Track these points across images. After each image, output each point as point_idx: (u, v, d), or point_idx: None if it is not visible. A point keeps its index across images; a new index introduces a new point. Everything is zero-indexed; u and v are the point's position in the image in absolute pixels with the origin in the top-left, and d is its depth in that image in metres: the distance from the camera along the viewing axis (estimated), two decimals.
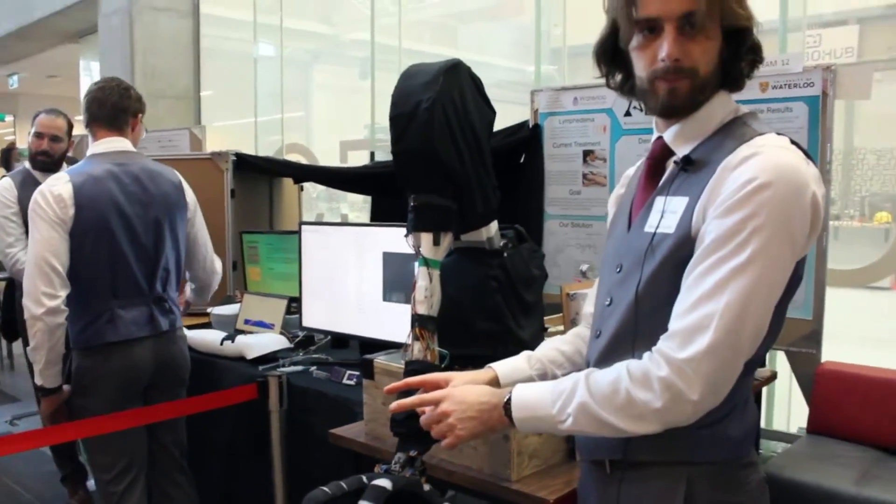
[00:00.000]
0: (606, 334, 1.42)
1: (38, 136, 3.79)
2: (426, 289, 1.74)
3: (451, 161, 1.74)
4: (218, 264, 3.12)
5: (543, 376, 1.61)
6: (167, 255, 2.79)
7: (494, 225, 1.94)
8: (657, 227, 1.34)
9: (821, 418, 2.75)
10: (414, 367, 1.70)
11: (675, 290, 1.27)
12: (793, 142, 1.30)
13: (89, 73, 9.93)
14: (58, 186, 2.60)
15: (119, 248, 2.66)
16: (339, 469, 1.92)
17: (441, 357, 1.75)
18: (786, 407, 3.44)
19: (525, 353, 1.67)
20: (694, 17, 1.27)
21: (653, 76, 1.33)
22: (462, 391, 1.45)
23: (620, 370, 1.27)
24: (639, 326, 1.35)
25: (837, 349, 2.90)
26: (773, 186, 1.20)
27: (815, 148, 2.69)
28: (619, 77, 1.46)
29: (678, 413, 1.22)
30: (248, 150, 5.73)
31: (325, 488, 1.55)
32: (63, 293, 2.55)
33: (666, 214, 1.33)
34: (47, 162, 3.71)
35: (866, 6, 10.93)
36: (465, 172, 1.78)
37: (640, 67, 1.36)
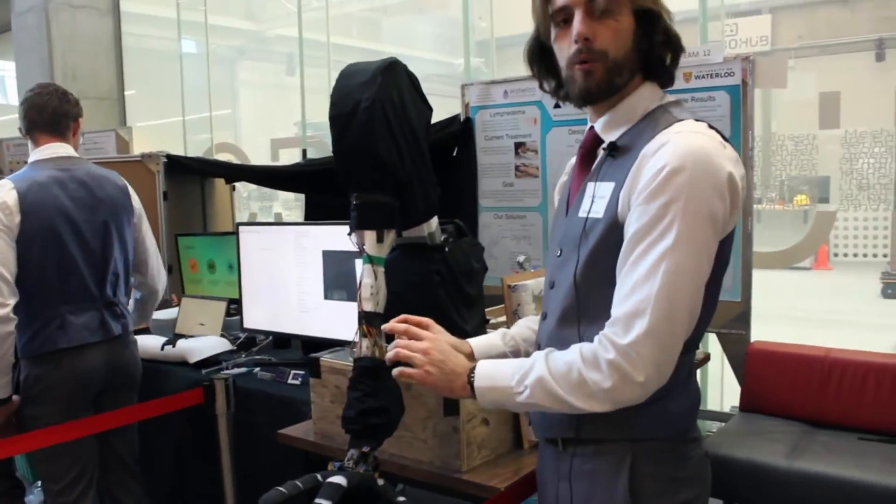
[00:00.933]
0: (552, 316, 1.50)
1: None
2: (372, 286, 1.76)
3: (392, 159, 1.76)
4: (164, 272, 3.09)
5: (516, 353, 1.70)
6: (116, 260, 2.76)
7: (435, 220, 1.97)
8: (589, 212, 1.42)
9: (752, 396, 2.86)
10: (363, 364, 1.73)
11: (610, 271, 1.35)
12: (711, 126, 1.38)
13: (1, 73, 9.62)
14: (1, 194, 2.55)
15: (68, 253, 2.63)
16: (287, 469, 1.92)
17: None
18: (719, 387, 3.56)
19: (501, 331, 1.76)
20: (598, 1, 1.36)
21: (570, 62, 1.41)
22: (447, 347, 1.54)
23: (575, 351, 1.34)
24: (580, 307, 1.42)
25: (764, 328, 3.02)
26: (687, 170, 1.27)
27: (737, 135, 2.79)
28: (553, 84, 1.54)
29: (626, 392, 1.29)
30: (177, 149, 5.64)
31: (281, 488, 1.57)
32: (12, 301, 2.50)
33: (596, 199, 1.41)
34: None
35: None
36: (406, 170, 1.80)
37: (561, 59, 1.45)
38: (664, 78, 1.45)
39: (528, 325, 1.77)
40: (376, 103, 1.73)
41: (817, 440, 2.61)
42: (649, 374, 1.27)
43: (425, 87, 1.95)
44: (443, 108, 3.55)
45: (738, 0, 9.90)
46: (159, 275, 3.05)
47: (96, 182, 2.74)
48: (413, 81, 1.90)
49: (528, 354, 1.54)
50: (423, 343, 1.53)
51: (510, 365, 1.43)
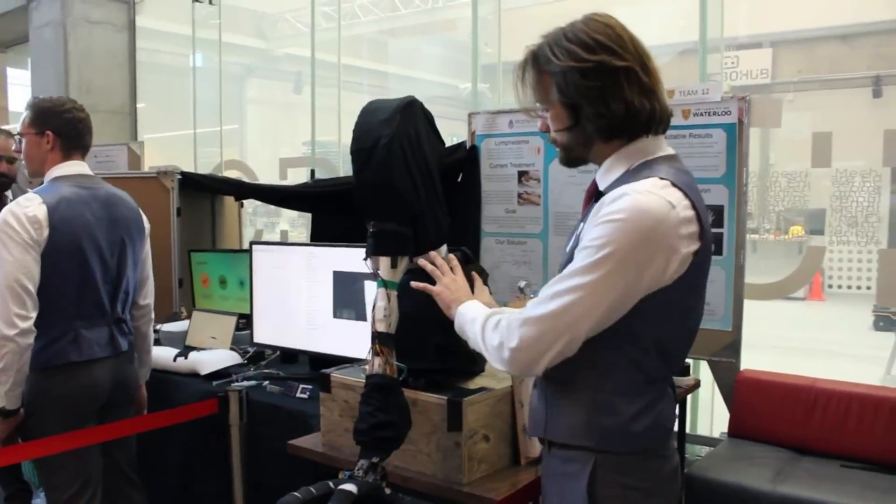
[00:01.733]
0: None
1: None
2: (385, 308, 1.90)
3: (408, 192, 1.90)
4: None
5: None
6: (128, 278, 2.82)
7: (444, 248, 2.10)
8: (570, 248, 1.61)
9: (740, 423, 2.98)
10: (375, 381, 1.85)
11: None
12: (675, 184, 1.50)
13: (17, 83, 9.74)
14: (31, 208, 2.58)
15: (89, 269, 2.67)
16: (293, 479, 2.03)
17: (399, 370, 1.90)
18: (709, 413, 3.66)
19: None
20: (538, 104, 1.64)
21: None
22: (466, 286, 1.88)
23: (503, 318, 1.59)
24: None
25: (757, 357, 3.13)
26: (620, 222, 1.44)
27: (732, 171, 2.90)
28: None
29: (500, 353, 1.54)
30: (185, 163, 5.73)
31: (296, 493, 1.69)
32: (34, 314, 2.53)
33: (575, 238, 1.60)
34: (7, 183, 3.69)
35: (777, 30, 11.50)
36: (420, 202, 1.93)
37: None
38: (633, 138, 1.58)
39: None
40: (395, 140, 1.87)
41: (801, 466, 2.72)
42: (517, 346, 1.50)
43: (430, 109, 2.10)
44: (446, 130, 3.65)
45: (738, 33, 10.07)
46: (150, 300, 3.05)
47: (114, 202, 2.81)
48: (428, 118, 2.05)
49: None
50: (454, 275, 1.89)
51: (483, 308, 1.72)
